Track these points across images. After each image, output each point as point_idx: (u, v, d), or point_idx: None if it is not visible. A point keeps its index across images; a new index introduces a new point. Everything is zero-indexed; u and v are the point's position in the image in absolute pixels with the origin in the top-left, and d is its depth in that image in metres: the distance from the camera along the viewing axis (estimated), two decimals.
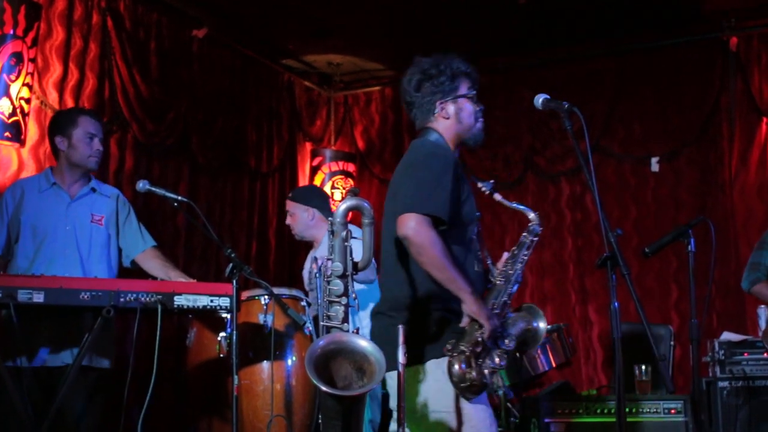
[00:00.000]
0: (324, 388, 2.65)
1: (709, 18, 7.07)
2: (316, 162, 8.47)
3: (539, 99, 3.45)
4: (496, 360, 3.24)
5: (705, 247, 5.26)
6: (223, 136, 7.33)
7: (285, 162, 8.21)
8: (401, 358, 2.91)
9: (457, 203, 3.37)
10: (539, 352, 5.53)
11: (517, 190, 7.95)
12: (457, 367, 3.18)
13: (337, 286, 2.84)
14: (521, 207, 3.65)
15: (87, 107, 5.98)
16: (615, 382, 3.06)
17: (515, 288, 3.53)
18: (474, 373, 3.16)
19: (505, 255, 3.61)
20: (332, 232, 2.86)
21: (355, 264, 2.90)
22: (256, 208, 7.78)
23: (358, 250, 3.41)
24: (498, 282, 3.49)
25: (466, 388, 3.19)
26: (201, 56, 7.11)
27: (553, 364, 5.68)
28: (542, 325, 3.54)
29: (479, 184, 3.63)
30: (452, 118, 3.57)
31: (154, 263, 4.83)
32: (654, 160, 7.44)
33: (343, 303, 2.84)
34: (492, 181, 3.65)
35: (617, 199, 7.58)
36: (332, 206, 6.14)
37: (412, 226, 3.13)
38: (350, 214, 3.02)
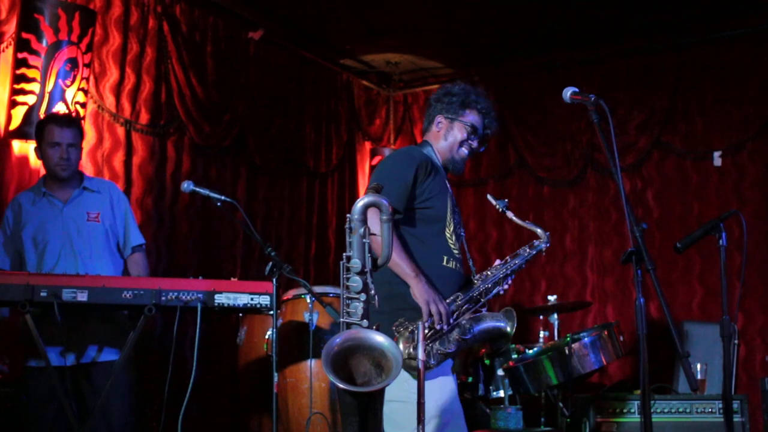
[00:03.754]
0: (339, 385, 2.66)
1: None
2: (375, 161, 8.48)
3: (567, 92, 3.39)
4: (447, 345, 3.48)
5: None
6: (281, 136, 7.38)
7: (344, 161, 8.25)
8: (421, 354, 2.95)
9: (413, 199, 3.65)
10: (589, 350, 5.45)
11: (578, 188, 7.87)
12: (402, 344, 3.41)
13: (356, 282, 2.85)
14: (531, 226, 3.87)
15: (143, 110, 6.10)
16: (641, 378, 3.00)
17: (496, 290, 3.72)
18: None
19: (497, 262, 3.83)
20: (350, 229, 2.87)
21: (374, 260, 2.90)
22: (315, 208, 7.82)
23: None
24: (476, 281, 3.72)
25: (410, 366, 3.38)
26: (257, 58, 7.18)
27: (604, 362, 5.59)
28: (509, 328, 3.67)
29: (493, 202, 3.89)
30: (441, 133, 3.90)
31: (132, 271, 4.82)
32: (716, 154, 7.27)
33: (362, 299, 2.84)
34: (506, 200, 3.92)
35: (679, 195, 7.43)
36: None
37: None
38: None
